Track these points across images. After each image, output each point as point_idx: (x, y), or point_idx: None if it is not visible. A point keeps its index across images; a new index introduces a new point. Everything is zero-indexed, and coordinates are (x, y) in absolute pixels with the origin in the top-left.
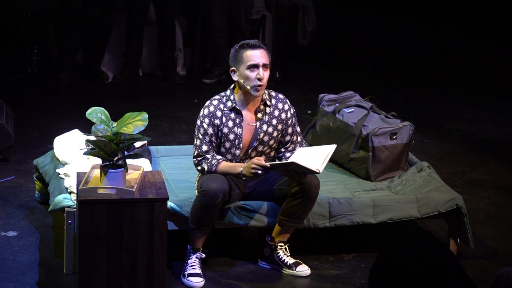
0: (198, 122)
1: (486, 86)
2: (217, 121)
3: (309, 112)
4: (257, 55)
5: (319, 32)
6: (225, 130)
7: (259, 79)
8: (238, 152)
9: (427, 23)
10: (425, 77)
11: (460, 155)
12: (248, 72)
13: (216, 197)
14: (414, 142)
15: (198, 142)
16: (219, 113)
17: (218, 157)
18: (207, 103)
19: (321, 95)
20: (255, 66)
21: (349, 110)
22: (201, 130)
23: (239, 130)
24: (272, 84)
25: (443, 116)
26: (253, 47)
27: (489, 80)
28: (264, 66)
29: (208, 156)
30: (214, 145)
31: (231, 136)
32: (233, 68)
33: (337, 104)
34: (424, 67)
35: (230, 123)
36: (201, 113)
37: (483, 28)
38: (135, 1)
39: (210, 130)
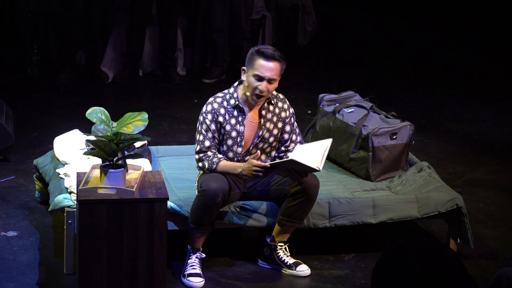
0: (201, 118)
1: (486, 86)
2: (220, 118)
3: (309, 112)
4: (267, 68)
5: (319, 32)
6: (228, 127)
7: (261, 91)
8: (240, 150)
9: (427, 23)
10: (425, 77)
11: (460, 155)
12: (252, 80)
13: (216, 197)
14: (414, 142)
15: (201, 137)
16: (222, 111)
17: (219, 156)
18: (211, 99)
19: (321, 95)
20: (261, 78)
21: (349, 110)
22: (204, 126)
23: (241, 128)
24: None
25: (443, 116)
26: (268, 58)
27: (489, 80)
28: (269, 80)
29: (209, 153)
30: (216, 141)
31: (233, 134)
32: (244, 67)
33: (337, 104)
34: (424, 67)
35: (233, 121)
36: (204, 109)
37: (483, 28)
38: (137, 1)
39: (213, 126)
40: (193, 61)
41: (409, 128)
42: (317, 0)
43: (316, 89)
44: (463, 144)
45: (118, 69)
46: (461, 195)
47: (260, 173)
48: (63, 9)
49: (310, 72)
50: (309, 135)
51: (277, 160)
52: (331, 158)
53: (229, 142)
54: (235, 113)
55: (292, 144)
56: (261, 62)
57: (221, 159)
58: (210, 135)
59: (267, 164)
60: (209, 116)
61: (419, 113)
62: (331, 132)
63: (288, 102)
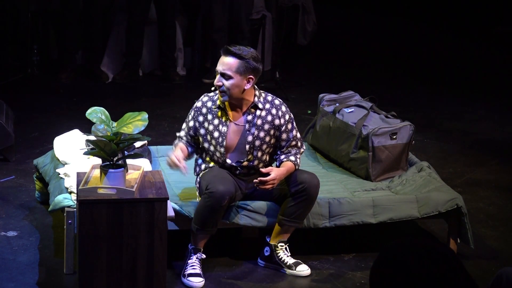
0: (190, 111)
1: (486, 86)
2: (200, 118)
3: (309, 112)
4: (220, 62)
5: (319, 32)
6: (211, 127)
7: (217, 86)
8: (222, 150)
9: (427, 22)
10: (425, 77)
11: (460, 155)
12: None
13: (223, 200)
14: (414, 142)
15: (183, 125)
16: (204, 110)
17: (176, 142)
18: (201, 97)
19: (321, 95)
20: (217, 72)
21: (349, 110)
22: (187, 119)
23: (223, 129)
24: (272, 84)
25: (443, 116)
26: (225, 52)
27: (488, 80)
28: (223, 75)
29: (176, 141)
30: (188, 137)
31: (216, 134)
32: None
33: (337, 104)
34: (425, 67)
35: (216, 121)
36: (194, 105)
37: (483, 28)
38: (135, 1)
39: (191, 123)
40: (193, 61)
41: (409, 128)
42: (317, 0)
43: (316, 89)
44: (463, 144)
45: (118, 69)
46: (461, 195)
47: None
48: (63, 9)
49: (310, 72)
50: (309, 135)
51: None
52: (331, 158)
53: (214, 142)
54: (219, 113)
55: (289, 149)
56: (220, 57)
57: (177, 144)
58: (186, 129)
59: (179, 163)
60: (192, 113)
61: (419, 113)
62: (331, 132)
63: (284, 108)
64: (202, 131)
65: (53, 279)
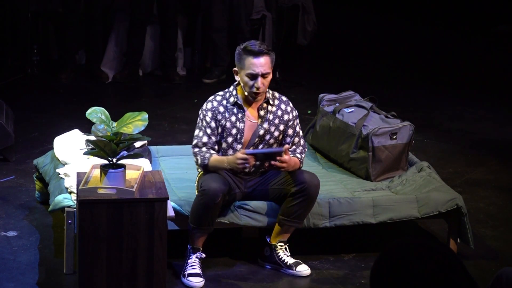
0: (201, 115)
1: (486, 86)
2: (219, 116)
3: (309, 112)
4: (258, 64)
5: (319, 32)
6: (228, 125)
7: (257, 88)
8: (239, 146)
9: (427, 22)
10: (425, 77)
11: (460, 155)
12: (247, 79)
13: (216, 197)
14: (414, 142)
15: (200, 133)
16: (221, 109)
17: (212, 152)
18: (211, 98)
19: (321, 95)
20: (254, 76)
21: (349, 110)
22: (204, 123)
23: (241, 125)
24: (272, 84)
25: (443, 116)
26: (257, 54)
27: (489, 80)
28: (264, 75)
29: (204, 149)
30: (213, 138)
31: (234, 131)
32: (235, 68)
33: (337, 104)
34: (425, 67)
35: (233, 118)
36: (204, 107)
37: (483, 28)
38: (138, 1)
39: (213, 124)
40: (193, 61)
41: (409, 128)
42: (317, 0)
43: (316, 89)
44: (463, 144)
45: (118, 69)
46: (461, 195)
47: (246, 164)
48: (64, 9)
49: (310, 72)
50: (309, 135)
51: (251, 150)
52: (331, 158)
53: (229, 139)
54: (235, 110)
55: (294, 147)
56: (251, 60)
57: (213, 154)
58: (208, 131)
59: (245, 155)
60: (209, 114)
61: (419, 113)
62: (331, 132)
63: (291, 105)
64: (219, 129)
65: (53, 279)
